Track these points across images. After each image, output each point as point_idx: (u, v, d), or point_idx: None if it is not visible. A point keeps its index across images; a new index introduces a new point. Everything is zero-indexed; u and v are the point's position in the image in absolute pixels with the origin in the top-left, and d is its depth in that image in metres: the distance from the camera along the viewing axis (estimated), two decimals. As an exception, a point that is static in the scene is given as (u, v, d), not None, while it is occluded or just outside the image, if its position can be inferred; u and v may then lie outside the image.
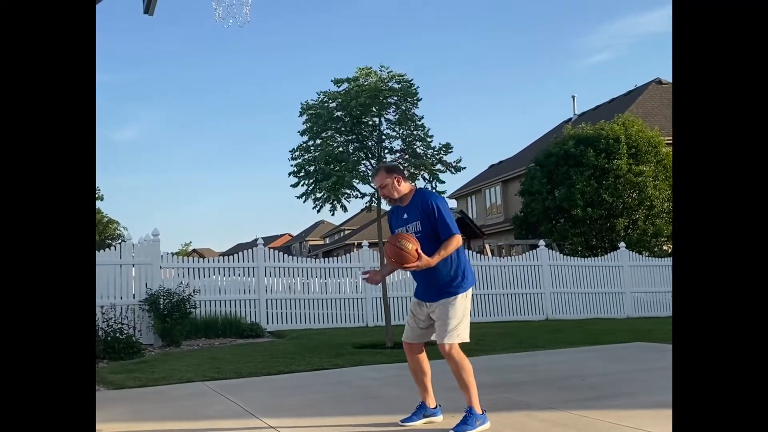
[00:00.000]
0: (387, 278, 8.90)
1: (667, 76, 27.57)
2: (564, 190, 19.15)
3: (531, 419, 4.44)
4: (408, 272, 4.43)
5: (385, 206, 4.68)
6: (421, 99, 9.81)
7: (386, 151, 9.73)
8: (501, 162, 33.40)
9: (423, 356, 4.39)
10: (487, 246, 22.21)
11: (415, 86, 9.75)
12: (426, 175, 9.64)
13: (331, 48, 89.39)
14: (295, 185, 9.68)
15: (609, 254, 16.18)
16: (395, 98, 9.68)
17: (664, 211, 19.02)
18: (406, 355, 4.44)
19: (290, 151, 9.81)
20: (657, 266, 15.92)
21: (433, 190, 9.69)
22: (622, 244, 16.14)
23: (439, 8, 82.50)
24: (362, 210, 10.86)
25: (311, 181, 9.56)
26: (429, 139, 9.79)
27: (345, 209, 9.70)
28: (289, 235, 66.19)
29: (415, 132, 9.77)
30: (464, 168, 9.88)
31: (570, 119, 30.71)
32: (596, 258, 16.24)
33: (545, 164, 20.21)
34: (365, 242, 14.55)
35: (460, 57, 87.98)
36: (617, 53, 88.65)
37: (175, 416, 5.00)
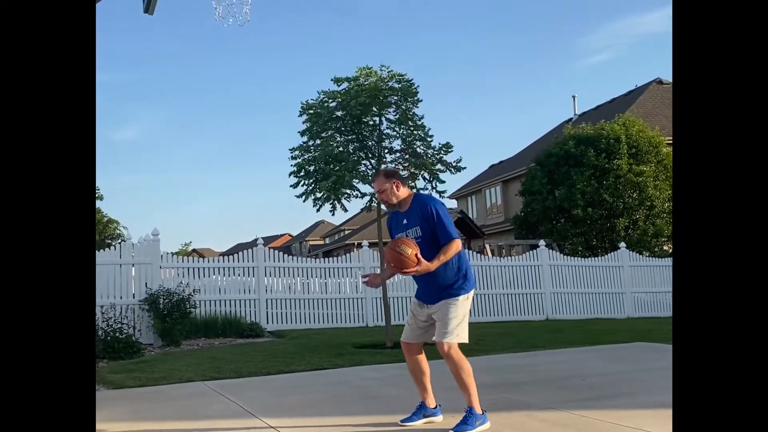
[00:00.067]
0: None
1: (668, 76, 27.55)
2: (564, 190, 19.15)
3: (531, 419, 4.44)
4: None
5: (385, 207, 4.68)
6: (421, 100, 9.83)
7: (386, 150, 9.74)
8: (501, 162, 33.40)
9: (422, 357, 4.39)
10: (487, 246, 22.22)
11: (416, 86, 9.76)
12: (426, 175, 9.64)
13: (331, 48, 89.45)
14: (295, 185, 9.68)
15: (609, 254, 16.18)
16: (395, 98, 9.68)
17: (664, 211, 19.01)
18: (404, 355, 4.44)
19: (290, 150, 9.82)
20: (657, 266, 15.92)
21: (432, 192, 9.71)
22: (622, 244, 16.14)
23: (439, 8, 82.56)
24: (362, 210, 10.87)
25: (311, 180, 9.56)
26: (429, 139, 9.79)
27: (345, 209, 9.71)
28: (289, 235, 66.19)
29: (415, 132, 9.77)
30: (464, 168, 9.90)
31: (570, 119, 30.71)
32: (596, 258, 16.24)
33: (545, 164, 20.21)
34: (365, 242, 14.55)
35: (460, 57, 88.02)
36: (618, 53, 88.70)
37: (175, 416, 5.00)
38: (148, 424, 4.72)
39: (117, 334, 9.00)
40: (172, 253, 13.27)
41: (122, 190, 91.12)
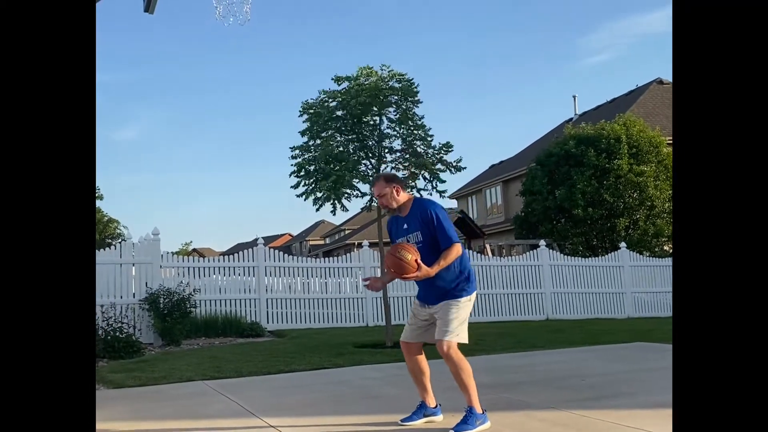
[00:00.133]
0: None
1: (669, 76, 27.54)
2: (565, 190, 19.15)
3: (531, 419, 4.44)
4: None
5: (385, 211, 4.68)
6: (421, 102, 9.83)
7: (386, 150, 9.74)
8: (501, 162, 33.40)
9: (421, 357, 4.40)
10: (487, 246, 22.22)
11: (416, 85, 9.76)
12: (426, 175, 9.64)
13: (332, 48, 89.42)
14: (295, 186, 9.69)
15: (609, 254, 16.18)
16: (396, 97, 9.68)
17: (664, 212, 19.01)
18: (404, 355, 4.44)
19: (291, 149, 9.82)
20: (657, 266, 15.92)
21: (433, 192, 9.72)
22: (622, 244, 16.14)
23: (439, 8, 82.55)
24: (362, 210, 10.87)
25: (311, 180, 9.56)
26: (429, 139, 9.79)
27: (345, 209, 9.71)
28: (290, 234, 66.20)
29: (415, 131, 9.77)
30: (465, 168, 9.90)
31: (571, 119, 30.71)
32: (597, 258, 16.24)
33: (546, 164, 20.21)
34: (365, 242, 14.55)
35: (460, 57, 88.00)
36: (618, 53, 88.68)
37: (175, 415, 5.00)
38: (148, 424, 4.72)
39: (117, 334, 9.00)
40: (172, 252, 13.27)
41: (122, 189, 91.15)
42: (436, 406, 4.42)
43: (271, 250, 13.49)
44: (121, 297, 10.78)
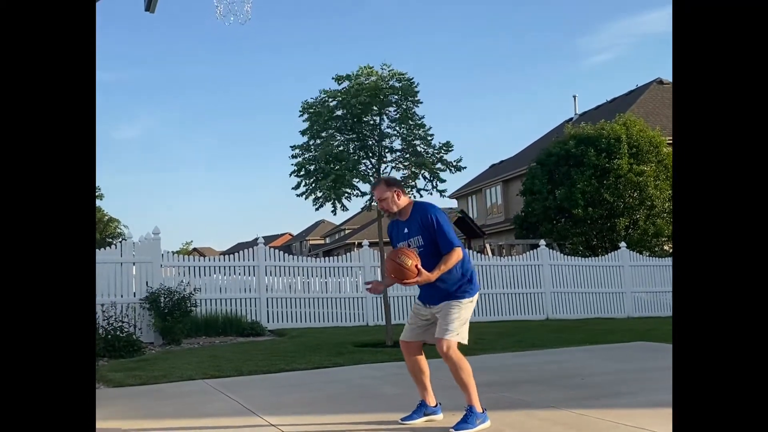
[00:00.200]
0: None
1: (669, 76, 27.53)
2: (565, 189, 19.15)
3: (531, 418, 4.44)
4: None
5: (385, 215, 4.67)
6: (422, 102, 9.83)
7: (387, 150, 9.74)
8: (502, 162, 33.40)
9: (421, 357, 4.40)
10: (487, 245, 22.23)
11: (416, 85, 9.76)
12: (426, 174, 9.65)
13: (332, 48, 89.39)
14: (296, 186, 9.69)
15: (609, 254, 16.19)
16: (396, 97, 9.68)
17: (664, 211, 19.02)
18: (403, 355, 4.45)
19: (291, 147, 9.83)
20: (657, 266, 15.93)
21: (433, 192, 9.72)
22: (622, 244, 16.14)
23: (439, 8, 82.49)
24: (362, 209, 10.87)
25: (312, 180, 9.57)
26: (429, 138, 9.79)
27: (345, 208, 9.71)
28: (290, 234, 66.22)
29: (415, 131, 9.77)
30: (465, 167, 9.90)
31: (571, 119, 30.70)
32: (597, 258, 16.25)
33: (546, 164, 20.22)
34: (366, 242, 14.56)
35: (461, 57, 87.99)
36: (618, 53, 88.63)
37: (176, 414, 5.00)
38: (148, 422, 4.72)
39: (117, 333, 9.01)
40: (172, 251, 13.28)
41: (123, 189, 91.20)
42: (437, 405, 4.42)
43: (272, 249, 13.50)
44: (122, 296, 10.78)
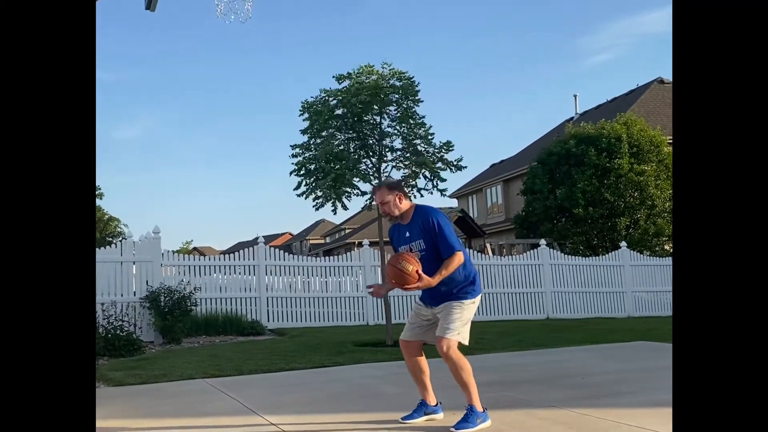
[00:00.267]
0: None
1: (670, 76, 27.51)
2: (565, 189, 19.15)
3: (531, 417, 4.44)
4: None
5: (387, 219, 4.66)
6: (422, 101, 9.82)
7: (387, 149, 9.74)
8: (502, 161, 33.39)
9: (421, 357, 4.40)
10: (488, 245, 22.23)
11: (417, 83, 9.75)
12: (427, 174, 9.64)
13: (332, 48, 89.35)
14: (297, 187, 9.68)
15: (610, 253, 16.19)
16: (396, 96, 9.68)
17: (665, 211, 19.01)
18: (403, 355, 4.44)
19: (291, 147, 9.82)
20: (658, 266, 15.93)
21: (432, 193, 9.73)
22: (623, 244, 16.14)
23: (439, 8, 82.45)
24: (363, 209, 10.87)
25: (312, 179, 9.56)
26: (430, 137, 9.79)
27: (345, 207, 9.70)
28: (290, 233, 66.21)
29: (416, 130, 9.77)
30: (465, 167, 9.90)
31: (572, 118, 30.68)
32: (597, 257, 16.25)
33: (547, 163, 20.21)
34: (366, 241, 14.55)
35: (461, 57, 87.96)
36: (619, 53, 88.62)
37: (176, 413, 5.00)
38: (148, 421, 4.72)
39: (118, 332, 9.01)
40: (173, 251, 13.28)
41: (123, 188, 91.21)
42: (437, 404, 4.42)
43: (272, 248, 13.50)
44: (122, 295, 10.78)
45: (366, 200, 9.82)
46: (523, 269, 14.99)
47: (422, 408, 4.38)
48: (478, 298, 4.27)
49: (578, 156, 19.24)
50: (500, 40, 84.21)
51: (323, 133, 9.67)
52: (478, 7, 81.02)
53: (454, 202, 32.91)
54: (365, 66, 9.66)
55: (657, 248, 18.90)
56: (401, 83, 9.69)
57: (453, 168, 9.76)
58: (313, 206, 9.67)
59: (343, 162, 9.31)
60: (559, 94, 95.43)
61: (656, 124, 21.87)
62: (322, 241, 53.85)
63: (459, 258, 4.13)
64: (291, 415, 4.72)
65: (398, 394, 5.37)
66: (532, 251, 15.65)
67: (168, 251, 12.27)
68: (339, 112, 9.65)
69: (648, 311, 15.32)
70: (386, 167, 9.72)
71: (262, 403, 5.14)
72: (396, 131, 9.78)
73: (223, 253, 21.94)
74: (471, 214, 28.62)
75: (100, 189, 46.88)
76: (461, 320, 4.13)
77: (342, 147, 9.60)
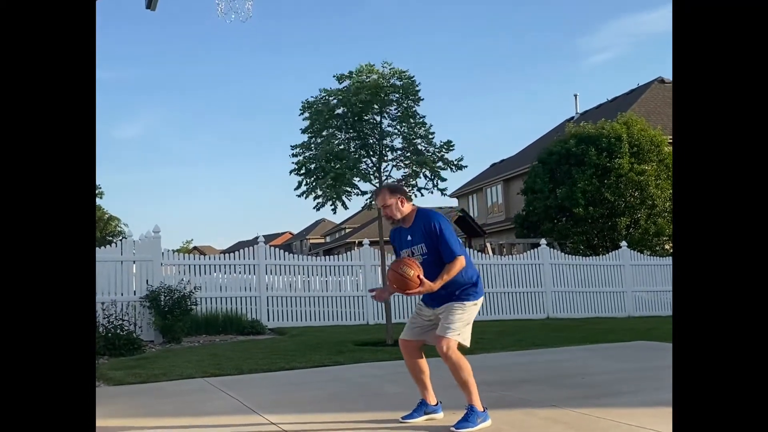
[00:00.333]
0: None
1: (670, 76, 27.47)
2: (566, 188, 19.14)
3: (531, 417, 4.44)
4: None
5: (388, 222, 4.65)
6: (422, 99, 9.81)
7: (387, 148, 9.73)
8: (502, 161, 33.38)
9: (421, 357, 4.40)
10: (488, 245, 22.23)
11: (417, 83, 9.75)
12: (427, 173, 9.64)
13: (332, 48, 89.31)
14: (297, 186, 9.68)
15: (610, 253, 16.19)
16: (396, 95, 9.67)
17: (665, 211, 19.01)
18: (403, 355, 4.44)
19: (291, 146, 9.82)
20: (658, 265, 15.93)
21: (434, 191, 9.71)
22: (623, 243, 16.14)
23: (439, 8, 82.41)
24: (363, 208, 10.86)
25: (312, 179, 9.56)
26: (430, 137, 9.79)
27: (345, 207, 9.71)
28: (290, 233, 66.20)
29: (416, 129, 9.76)
30: (466, 166, 9.90)
31: (572, 118, 30.67)
32: (597, 257, 16.25)
33: (547, 163, 20.21)
34: (366, 240, 14.55)
35: (461, 57, 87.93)
36: (619, 52, 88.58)
37: (176, 412, 5.00)
38: (148, 421, 4.72)
39: (118, 331, 9.01)
40: (173, 250, 13.28)
41: (123, 187, 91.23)
42: (437, 403, 4.42)
43: (272, 248, 13.50)
44: (122, 294, 10.78)
45: (366, 200, 9.82)
46: (523, 269, 14.99)
47: (422, 407, 4.38)
48: (480, 300, 4.27)
49: (578, 155, 19.24)
50: (500, 40, 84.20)
51: (323, 133, 9.66)
52: (478, 7, 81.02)
53: (454, 202, 32.90)
54: (365, 65, 9.65)
55: (657, 248, 18.90)
56: (402, 82, 9.69)
57: (453, 167, 9.76)
58: (314, 206, 9.67)
59: (344, 161, 9.30)
60: (560, 94, 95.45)
61: (657, 123, 21.87)
62: (323, 241, 53.85)
63: (460, 263, 4.13)
64: (291, 414, 4.72)
65: (398, 393, 5.37)
66: (532, 251, 15.65)
67: (168, 250, 12.28)
68: (339, 111, 9.64)
69: (648, 311, 15.33)
70: (386, 167, 9.72)
71: (262, 403, 5.14)
72: (396, 131, 9.77)
73: (223, 252, 21.95)
74: (471, 214, 28.61)
75: (100, 188, 46.88)
76: (462, 321, 4.13)
77: (342, 146, 9.59)
